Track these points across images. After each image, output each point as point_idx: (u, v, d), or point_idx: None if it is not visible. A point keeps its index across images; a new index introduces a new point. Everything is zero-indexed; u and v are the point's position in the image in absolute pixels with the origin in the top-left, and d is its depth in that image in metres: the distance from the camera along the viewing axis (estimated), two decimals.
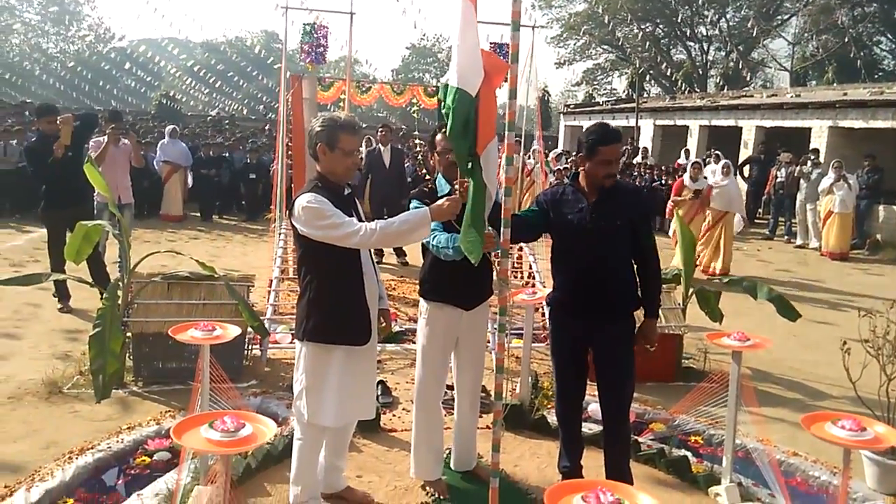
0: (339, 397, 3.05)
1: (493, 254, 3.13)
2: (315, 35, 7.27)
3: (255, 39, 44.21)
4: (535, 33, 7.03)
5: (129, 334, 4.84)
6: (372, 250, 3.26)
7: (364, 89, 10.78)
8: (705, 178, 10.04)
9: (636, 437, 4.24)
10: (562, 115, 28.51)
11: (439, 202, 3.00)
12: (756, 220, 15.50)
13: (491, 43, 7.76)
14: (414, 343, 5.26)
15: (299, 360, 3.13)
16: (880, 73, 30.21)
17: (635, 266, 3.43)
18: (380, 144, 9.73)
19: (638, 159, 16.96)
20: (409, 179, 10.49)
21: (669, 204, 9.70)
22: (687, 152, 16.96)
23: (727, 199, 9.79)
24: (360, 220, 3.10)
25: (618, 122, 23.06)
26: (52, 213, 6.36)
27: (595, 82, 40.95)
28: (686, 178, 9.93)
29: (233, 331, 3.40)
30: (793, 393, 5.39)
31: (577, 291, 3.35)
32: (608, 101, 27.63)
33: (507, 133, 2.95)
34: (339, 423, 3.15)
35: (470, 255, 3.00)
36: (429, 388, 3.58)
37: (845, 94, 15.88)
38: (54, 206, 6.33)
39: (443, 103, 2.94)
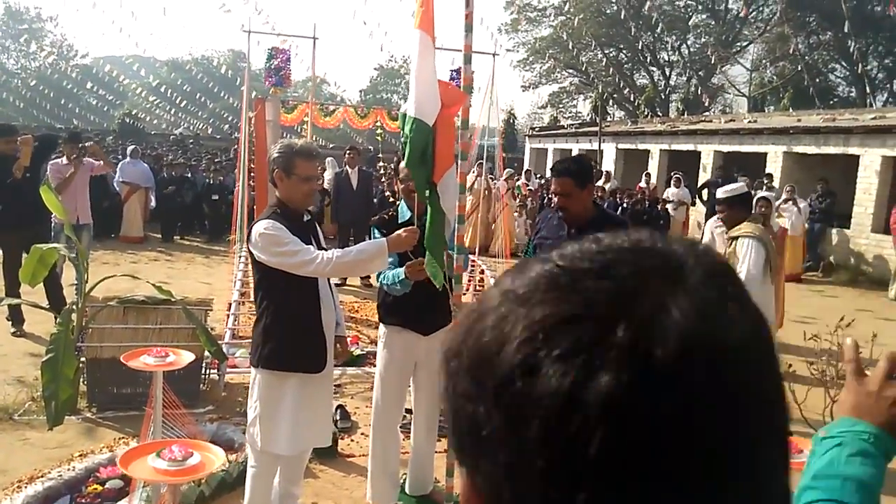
0: (293, 425, 3.05)
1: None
2: (278, 59, 7.31)
3: (221, 59, 44.04)
4: (495, 60, 7.20)
5: (83, 359, 4.77)
6: None
7: (328, 112, 10.82)
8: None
9: None
10: (527, 138, 28.86)
11: (397, 233, 3.05)
12: None
13: (452, 70, 7.90)
14: (375, 366, 5.28)
15: (253, 387, 3.13)
16: (835, 100, 31.22)
17: None
18: (347, 167, 9.76)
19: (600, 182, 17.26)
20: (375, 201, 10.53)
21: None
22: (648, 176, 17.29)
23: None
24: (319, 247, 3.13)
25: (581, 145, 23.44)
26: (8, 234, 6.26)
27: (560, 105, 41.59)
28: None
29: (186, 357, 3.39)
30: None
31: None
32: (572, 125, 28.06)
33: (459, 162, 3.03)
34: (293, 451, 3.15)
35: (434, 280, 3.06)
36: (386, 412, 3.60)
37: (799, 120, 16.38)
38: (10, 228, 6.24)
39: (402, 132, 3.01)
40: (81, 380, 4.83)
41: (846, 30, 18.77)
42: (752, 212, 7.36)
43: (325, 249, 3.12)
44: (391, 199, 10.33)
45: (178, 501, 3.47)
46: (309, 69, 8.14)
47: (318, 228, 3.33)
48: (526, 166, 23.85)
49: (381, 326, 3.60)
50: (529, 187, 14.49)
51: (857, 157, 13.05)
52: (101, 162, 7.30)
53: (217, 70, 36.38)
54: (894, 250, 11.34)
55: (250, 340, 3.23)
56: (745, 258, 4.72)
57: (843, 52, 29.74)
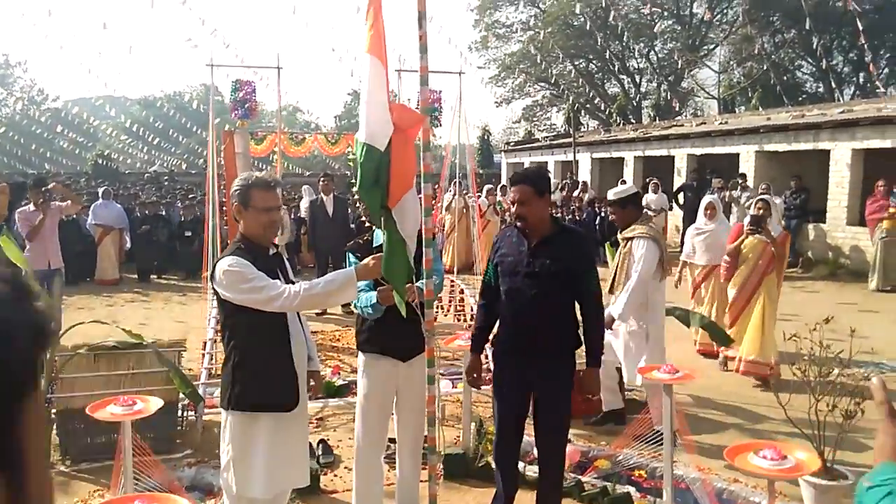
0: (268, 467, 2.96)
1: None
2: (243, 91, 7.26)
3: (193, 94, 43.98)
4: (462, 79, 7.19)
5: (54, 411, 4.64)
6: None
7: (298, 141, 10.78)
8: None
9: (579, 477, 4.23)
10: (503, 153, 28.98)
11: (365, 261, 2.99)
12: None
13: (418, 91, 7.87)
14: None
15: (225, 430, 3.03)
16: (803, 96, 31.66)
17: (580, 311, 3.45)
18: (322, 194, 9.70)
19: (577, 192, 17.30)
20: (353, 226, 10.46)
21: (726, 260, 6.35)
22: (623, 183, 17.35)
23: (716, 249, 6.96)
24: (287, 281, 3.06)
25: (556, 157, 23.58)
26: None
27: (534, 119, 41.87)
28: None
29: (155, 403, 3.30)
30: (732, 418, 5.47)
31: (518, 333, 3.37)
32: (547, 137, 28.22)
33: (423, 185, 2.98)
34: (269, 494, 3.05)
35: (400, 307, 2.99)
36: (368, 443, 3.52)
37: (769, 118, 16.56)
38: None
39: (355, 156, 2.96)
40: (53, 433, 4.69)
41: (808, 27, 19.05)
42: (748, 213, 7.24)
43: (294, 283, 3.05)
44: (367, 224, 10.26)
45: None
46: (280, 98, 8.10)
47: (286, 261, 3.26)
48: (503, 181, 23.93)
49: (360, 355, 3.53)
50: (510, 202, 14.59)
51: (828, 151, 13.19)
52: (69, 202, 7.16)
53: (189, 105, 36.29)
54: (871, 242, 11.43)
55: None
56: (641, 258, 4.74)
57: (808, 48, 30.22)
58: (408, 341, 3.35)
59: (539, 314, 3.29)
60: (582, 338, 3.43)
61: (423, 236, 2.96)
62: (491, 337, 3.60)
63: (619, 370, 5.11)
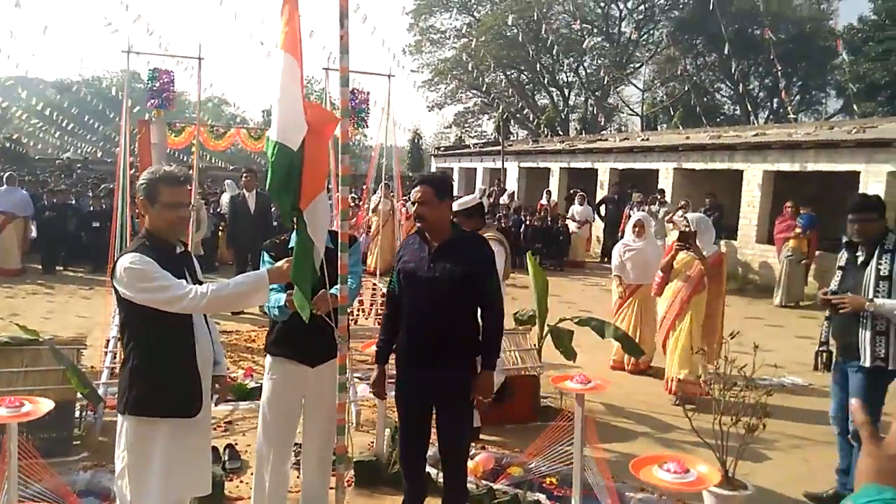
0: (165, 475, 2.81)
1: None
2: (161, 80, 6.99)
3: (112, 80, 42.19)
4: (391, 81, 7.12)
5: None
6: None
7: (219, 134, 10.46)
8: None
9: (491, 484, 4.23)
10: (433, 157, 29.05)
11: (278, 265, 2.90)
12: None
13: (352, 89, 7.77)
14: None
15: (120, 436, 2.87)
16: (721, 118, 33.09)
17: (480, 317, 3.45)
18: (244, 189, 9.44)
19: (504, 199, 17.52)
20: (274, 224, 10.22)
21: (659, 275, 6.17)
22: (549, 193, 17.68)
23: (643, 267, 6.97)
24: (194, 281, 2.93)
25: (485, 164, 23.80)
26: None
27: (465, 125, 42.19)
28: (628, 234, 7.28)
29: (45, 405, 3.09)
30: (643, 426, 5.60)
31: (417, 339, 3.35)
32: (477, 144, 28.45)
33: (339, 188, 2.91)
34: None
35: (301, 312, 2.90)
36: (269, 448, 3.41)
37: (688, 137, 17.19)
38: None
39: (267, 155, 2.86)
40: None
41: (728, 52, 19.90)
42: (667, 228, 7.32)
43: (201, 283, 2.92)
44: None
45: None
46: (205, 90, 7.84)
47: (194, 260, 3.12)
48: None
49: (267, 357, 3.43)
50: None
51: (741, 171, 13.79)
52: None
53: (108, 91, 34.77)
54: (777, 259, 11.99)
55: None
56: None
57: (728, 72, 31.63)
58: (317, 346, 3.26)
59: (438, 318, 3.28)
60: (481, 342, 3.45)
61: (340, 240, 2.89)
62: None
63: None
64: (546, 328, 5.86)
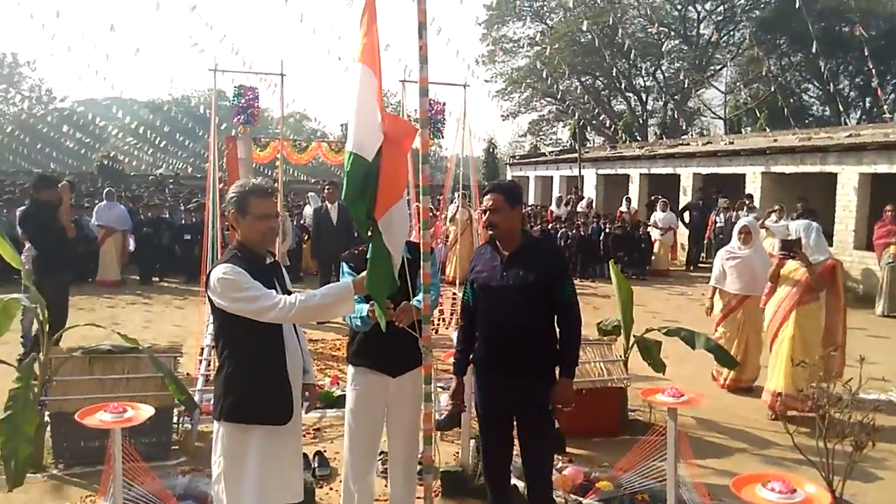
0: (259, 481, 2.87)
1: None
2: (245, 97, 7.23)
3: (200, 98, 44.08)
4: (466, 91, 7.12)
5: (47, 414, 4.56)
6: None
7: (301, 148, 10.72)
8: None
9: (580, 499, 4.14)
10: (508, 166, 28.97)
11: (363, 274, 2.92)
12: (700, 264, 15.83)
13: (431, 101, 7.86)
14: None
15: (217, 442, 2.95)
16: (810, 119, 31.69)
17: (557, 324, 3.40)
18: (327, 202, 9.64)
19: (582, 207, 17.25)
20: (356, 235, 10.39)
21: (768, 285, 5.92)
22: (628, 200, 17.33)
23: (749, 277, 6.44)
24: (283, 291, 2.99)
25: (562, 171, 23.56)
26: (49, 276, 6.33)
27: (540, 133, 41.92)
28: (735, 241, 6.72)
29: (146, 411, 3.21)
30: (738, 442, 5.37)
31: (494, 348, 3.33)
32: (553, 152, 28.21)
33: (421, 197, 2.91)
34: None
35: (380, 321, 2.92)
36: (355, 459, 3.43)
37: (775, 140, 16.53)
38: (48, 273, 6.37)
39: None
40: (47, 435, 4.61)
41: (816, 50, 19.04)
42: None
43: (290, 293, 2.98)
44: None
45: None
46: (287, 106, 8.06)
47: (283, 271, 3.18)
48: None
49: (350, 367, 3.46)
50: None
51: (835, 175, 13.12)
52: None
53: (196, 109, 36.36)
54: (878, 266, 11.34)
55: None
56: None
57: (815, 72, 30.25)
58: (399, 356, 3.27)
59: (514, 327, 3.25)
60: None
61: (422, 249, 2.89)
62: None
63: None
64: (632, 339, 5.71)
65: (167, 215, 13.75)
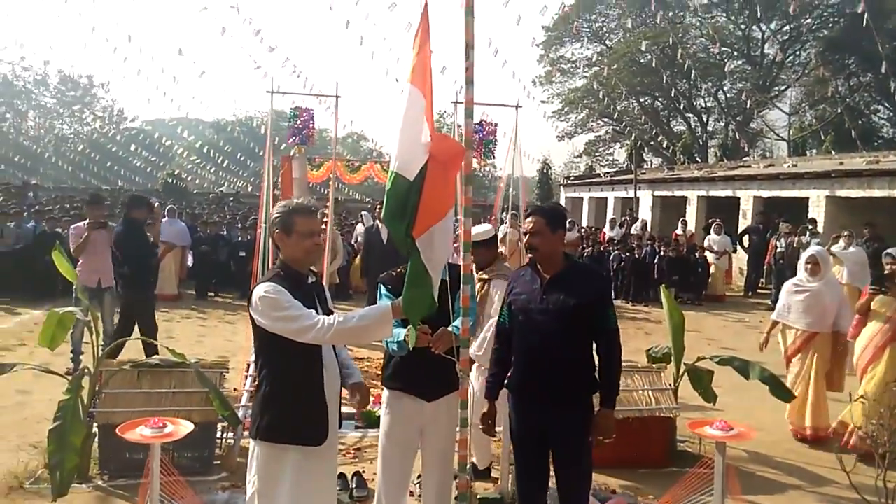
0: (293, 501, 2.86)
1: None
2: (301, 118, 7.37)
3: (262, 119, 45.36)
4: (518, 112, 7.09)
5: (95, 426, 4.68)
6: None
7: (354, 168, 10.86)
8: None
9: None
10: (562, 187, 28.75)
11: (401, 299, 2.90)
12: (759, 290, 15.33)
13: (476, 124, 7.86)
14: None
15: (252, 461, 2.96)
16: (880, 141, 30.50)
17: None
18: (377, 221, 9.72)
19: (636, 229, 16.93)
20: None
21: (856, 318, 5.64)
22: (684, 223, 16.95)
23: (819, 312, 5.84)
24: (325, 311, 3.00)
25: (617, 193, 23.24)
26: (131, 294, 6.81)
27: (597, 154, 41.54)
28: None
29: (185, 427, 3.25)
30: (791, 478, 5.12)
31: (531, 373, 3.27)
32: (608, 173, 27.89)
33: (462, 219, 2.88)
34: None
35: (410, 341, 2.90)
36: (387, 483, 3.40)
37: (841, 163, 15.96)
38: (134, 289, 6.81)
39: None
40: (94, 446, 4.72)
41: (885, 70, 18.33)
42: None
43: (331, 313, 2.99)
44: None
45: None
46: (345, 126, 8.18)
47: (326, 290, 3.19)
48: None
49: (384, 390, 3.44)
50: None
51: None
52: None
53: (258, 130, 37.41)
54: None
55: None
56: (499, 299, 4.34)
57: (885, 92, 29.15)
58: (435, 380, 3.23)
59: (552, 353, 3.18)
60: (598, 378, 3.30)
61: (462, 272, 2.85)
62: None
63: None
64: (683, 367, 5.53)
65: (225, 232, 14.09)
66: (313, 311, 2.82)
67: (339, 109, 7.15)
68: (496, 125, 7.33)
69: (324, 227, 8.73)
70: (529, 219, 3.32)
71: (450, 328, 3.11)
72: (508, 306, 3.41)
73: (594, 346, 3.31)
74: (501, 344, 3.46)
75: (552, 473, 3.38)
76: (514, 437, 3.49)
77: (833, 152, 21.00)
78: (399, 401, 3.38)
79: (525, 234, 3.34)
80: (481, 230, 4.59)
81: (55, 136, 45.73)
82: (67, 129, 48.42)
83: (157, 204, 7.03)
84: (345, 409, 6.22)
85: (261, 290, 2.83)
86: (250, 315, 2.94)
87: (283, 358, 2.87)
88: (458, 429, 2.93)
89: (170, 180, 26.20)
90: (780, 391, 5.11)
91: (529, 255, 3.36)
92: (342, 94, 7.20)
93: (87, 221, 7.06)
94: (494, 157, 7.41)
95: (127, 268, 6.88)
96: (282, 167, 8.12)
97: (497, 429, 3.84)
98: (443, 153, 2.73)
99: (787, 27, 33.24)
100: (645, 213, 20.93)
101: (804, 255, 6.23)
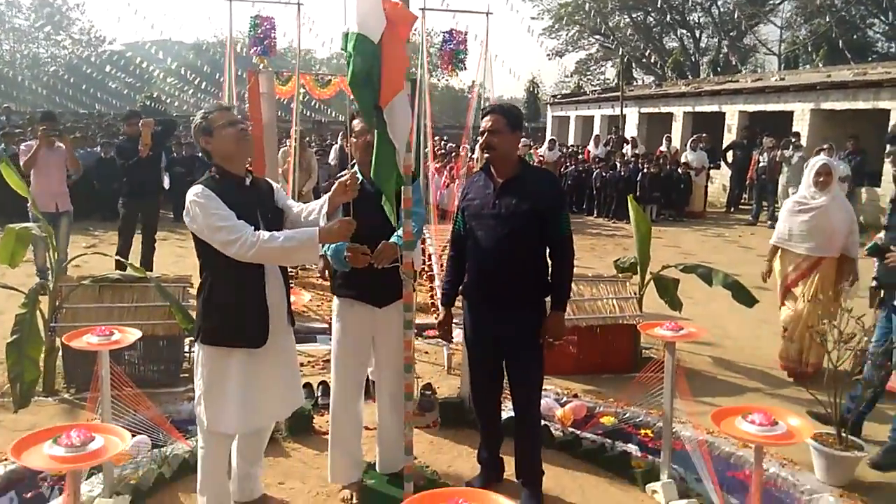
0: (240, 403, 2.87)
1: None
2: (262, 27, 7.08)
3: (245, 40, 44.00)
4: (489, 20, 6.79)
5: (58, 340, 4.68)
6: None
7: (323, 83, 10.57)
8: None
9: (577, 432, 4.08)
10: (549, 107, 28.30)
11: (330, 224, 2.84)
12: (740, 206, 15.34)
13: (444, 32, 7.55)
14: None
15: (197, 364, 2.96)
16: (874, 56, 29.92)
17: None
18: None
19: (627, 148, 16.68)
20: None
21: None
22: (668, 139, 16.76)
23: (825, 234, 5.01)
24: (270, 211, 2.93)
25: (604, 111, 22.89)
26: (131, 204, 7.29)
27: (588, 73, 40.71)
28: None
29: (133, 334, 3.24)
30: (754, 382, 5.22)
31: (483, 278, 3.24)
32: (595, 91, 27.41)
33: (414, 124, 2.78)
34: (242, 430, 2.98)
35: (391, 216, 2.87)
36: (341, 389, 3.42)
37: (829, 76, 15.68)
38: (133, 199, 7.25)
39: (345, 51, 2.73)
40: (58, 360, 4.74)
41: None
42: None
43: (281, 212, 2.98)
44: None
45: (138, 480, 3.36)
46: (324, 44, 7.84)
47: (276, 189, 3.09)
48: (548, 135, 23.39)
49: (335, 299, 3.41)
50: (542, 156, 14.18)
51: (889, 111, 12.41)
52: (69, 157, 7.21)
53: (241, 52, 36.32)
54: None
55: None
56: None
57: (880, 5, 28.44)
58: (385, 287, 3.19)
59: (504, 258, 3.14)
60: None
61: (403, 172, 2.77)
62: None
63: None
64: (649, 276, 5.55)
65: (200, 154, 13.85)
66: (240, 223, 2.72)
67: (312, 22, 6.85)
68: (466, 34, 7.06)
69: (295, 144, 8.58)
70: (488, 117, 3.22)
71: (392, 239, 3.06)
72: (462, 212, 3.36)
73: (547, 251, 3.28)
74: (456, 251, 3.42)
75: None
76: (467, 341, 3.50)
77: (821, 66, 20.62)
78: (350, 308, 3.35)
79: (482, 132, 3.23)
80: None
81: (30, 59, 44.35)
82: (44, 53, 46.91)
83: (146, 120, 6.95)
84: (316, 325, 6.37)
85: (191, 194, 2.77)
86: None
87: (221, 260, 2.80)
88: (404, 331, 2.92)
89: (148, 103, 25.60)
90: (743, 296, 5.13)
91: (485, 156, 3.27)
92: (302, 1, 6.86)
93: (34, 141, 6.91)
94: (465, 69, 7.17)
95: (132, 179, 7.14)
96: (248, 82, 7.86)
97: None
98: (396, 17, 2.59)
99: None
100: (631, 130, 20.67)
101: (811, 166, 5.23)
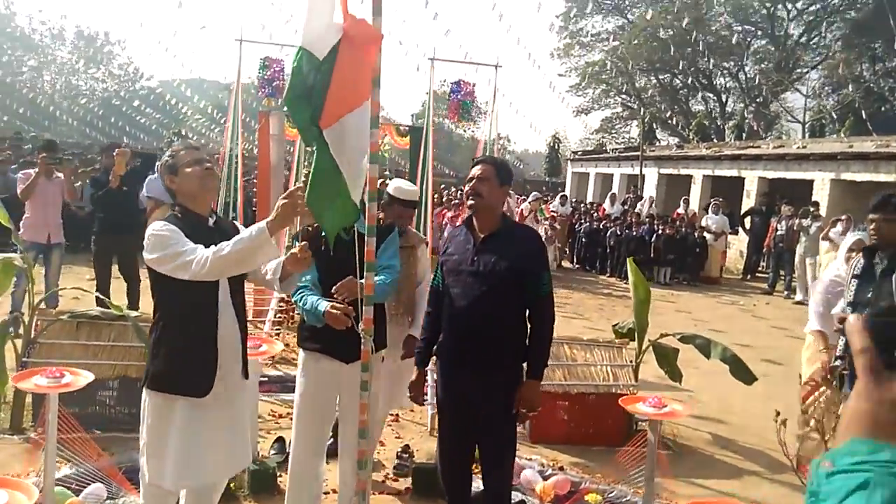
0: (180, 457, 2.70)
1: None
2: (271, 69, 7.11)
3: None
4: (497, 72, 6.73)
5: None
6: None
7: None
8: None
9: None
10: (569, 162, 28.35)
11: (277, 205, 2.65)
12: (757, 274, 15.03)
13: (452, 83, 7.52)
14: None
15: (143, 411, 2.80)
16: None
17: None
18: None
19: (644, 208, 16.51)
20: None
21: None
22: (686, 201, 16.59)
23: None
24: None
25: (623, 169, 22.84)
26: (105, 239, 6.92)
27: (613, 131, 40.86)
28: None
29: (85, 378, 3.10)
30: (750, 464, 4.93)
31: (457, 338, 3.08)
32: (615, 149, 27.42)
33: (369, 166, 2.65)
34: (178, 487, 2.80)
35: (329, 238, 2.80)
36: (302, 446, 3.24)
37: (851, 146, 15.48)
38: (107, 234, 6.89)
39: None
40: (28, 398, 4.60)
41: None
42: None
43: None
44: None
45: None
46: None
47: (238, 229, 2.97)
48: (567, 191, 23.35)
49: (301, 352, 3.26)
50: (554, 211, 14.09)
51: None
52: (66, 187, 7.10)
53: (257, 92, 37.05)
54: None
55: None
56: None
57: None
58: (353, 341, 3.03)
59: (481, 317, 2.98)
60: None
61: (366, 223, 2.64)
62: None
63: None
64: (647, 343, 5.33)
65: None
66: (198, 247, 2.59)
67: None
68: (474, 85, 7.04)
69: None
70: (479, 166, 3.12)
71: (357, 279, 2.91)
72: (440, 266, 3.22)
73: (527, 313, 3.12)
74: (434, 307, 3.27)
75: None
76: (439, 403, 3.32)
77: (843, 136, 20.44)
78: (316, 363, 3.20)
79: (470, 179, 3.11)
80: (411, 188, 4.15)
81: (70, 91, 45.61)
82: (83, 86, 48.22)
83: (120, 150, 6.83)
84: (295, 372, 6.16)
85: (151, 229, 2.66)
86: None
87: (173, 302, 2.69)
88: (359, 392, 2.75)
89: (174, 139, 26.06)
90: (741, 373, 4.89)
91: (470, 204, 3.13)
92: None
93: (35, 170, 6.89)
94: (472, 120, 7.11)
95: (104, 212, 6.87)
96: (259, 124, 7.89)
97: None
98: (358, 36, 2.48)
99: (813, 6, 32.32)
100: (650, 190, 20.54)
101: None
